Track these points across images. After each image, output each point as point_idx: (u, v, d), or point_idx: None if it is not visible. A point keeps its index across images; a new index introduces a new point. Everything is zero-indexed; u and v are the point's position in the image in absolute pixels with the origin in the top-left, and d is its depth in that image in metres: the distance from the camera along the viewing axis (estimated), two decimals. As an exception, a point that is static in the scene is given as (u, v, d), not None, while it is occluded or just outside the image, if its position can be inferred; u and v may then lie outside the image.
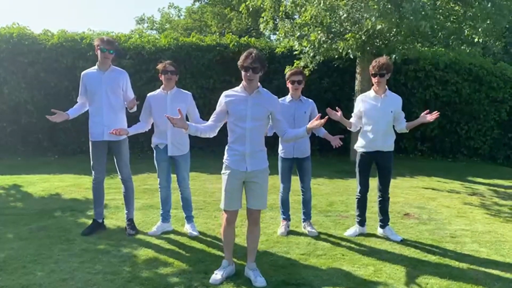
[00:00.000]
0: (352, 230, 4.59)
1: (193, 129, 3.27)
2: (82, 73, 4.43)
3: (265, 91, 3.40)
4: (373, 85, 4.43)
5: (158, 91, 4.41)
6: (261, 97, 3.33)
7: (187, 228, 4.54)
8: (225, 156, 3.40)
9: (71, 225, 4.65)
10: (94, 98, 4.31)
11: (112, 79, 4.33)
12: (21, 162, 8.68)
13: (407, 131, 4.48)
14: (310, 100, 4.60)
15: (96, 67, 4.38)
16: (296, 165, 4.60)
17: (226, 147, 3.40)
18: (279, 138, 4.57)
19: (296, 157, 4.53)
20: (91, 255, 3.83)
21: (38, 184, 6.60)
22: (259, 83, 3.34)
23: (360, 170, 4.49)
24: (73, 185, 6.52)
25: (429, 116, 4.17)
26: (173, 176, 4.56)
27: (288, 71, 4.68)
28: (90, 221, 4.59)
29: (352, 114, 4.57)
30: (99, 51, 4.27)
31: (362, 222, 4.58)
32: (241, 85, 3.36)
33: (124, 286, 3.26)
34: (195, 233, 4.43)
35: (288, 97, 4.54)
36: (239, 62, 3.28)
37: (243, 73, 3.27)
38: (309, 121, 4.59)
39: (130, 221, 4.53)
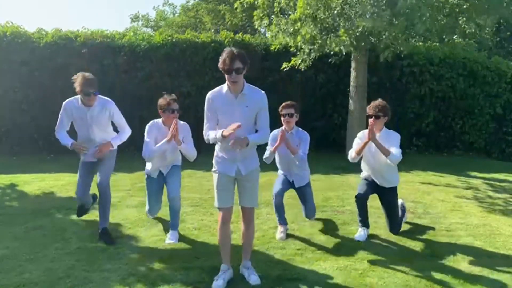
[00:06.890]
0: (362, 233, 4.32)
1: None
2: (65, 103, 4.18)
3: (250, 88, 3.24)
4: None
5: (159, 121, 4.29)
6: (248, 99, 3.20)
7: (168, 234, 4.25)
8: (214, 159, 3.35)
9: (67, 224, 4.65)
10: (82, 129, 4.22)
11: (98, 116, 4.16)
12: (16, 161, 8.64)
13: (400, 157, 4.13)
14: (304, 132, 4.51)
15: (80, 101, 4.13)
16: (295, 190, 4.66)
17: (215, 151, 3.33)
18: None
19: (293, 181, 4.60)
20: (87, 253, 3.83)
21: (34, 183, 6.58)
22: (244, 81, 3.20)
23: (363, 178, 4.54)
24: (69, 184, 6.50)
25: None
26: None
27: (281, 106, 4.45)
28: (85, 220, 4.57)
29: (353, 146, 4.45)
30: (82, 94, 4.04)
31: (365, 224, 4.38)
32: (226, 86, 3.21)
33: (120, 283, 3.27)
34: (172, 241, 4.10)
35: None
36: (220, 65, 3.10)
37: (226, 76, 3.13)
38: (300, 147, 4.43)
39: (104, 230, 4.17)
